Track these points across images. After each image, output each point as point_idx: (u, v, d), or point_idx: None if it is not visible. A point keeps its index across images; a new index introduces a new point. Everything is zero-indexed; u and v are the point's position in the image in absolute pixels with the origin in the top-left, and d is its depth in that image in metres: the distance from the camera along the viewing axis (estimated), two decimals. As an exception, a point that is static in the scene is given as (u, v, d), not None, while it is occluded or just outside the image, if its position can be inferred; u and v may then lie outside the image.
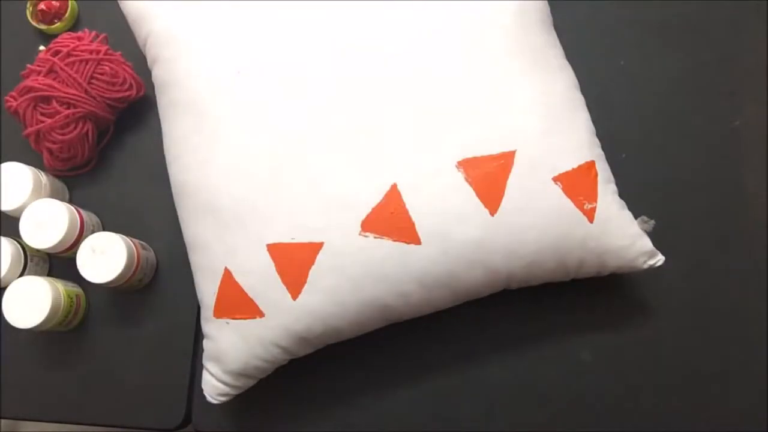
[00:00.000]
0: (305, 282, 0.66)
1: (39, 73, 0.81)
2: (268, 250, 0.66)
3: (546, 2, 0.75)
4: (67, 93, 0.80)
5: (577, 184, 0.67)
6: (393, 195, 0.65)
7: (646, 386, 0.73)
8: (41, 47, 0.88)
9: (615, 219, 0.68)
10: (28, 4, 0.91)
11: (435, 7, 0.70)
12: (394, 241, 0.65)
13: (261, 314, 0.67)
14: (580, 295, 0.74)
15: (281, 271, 0.66)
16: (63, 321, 0.78)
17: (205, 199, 0.69)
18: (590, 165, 0.68)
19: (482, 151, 0.66)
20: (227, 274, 0.68)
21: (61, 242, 0.77)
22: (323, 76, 0.69)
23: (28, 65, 0.82)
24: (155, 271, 0.83)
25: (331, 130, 0.68)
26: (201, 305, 0.71)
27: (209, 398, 0.71)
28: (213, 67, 0.71)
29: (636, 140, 0.80)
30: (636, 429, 0.73)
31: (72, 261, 0.77)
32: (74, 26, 0.92)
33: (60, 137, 0.80)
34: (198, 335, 0.80)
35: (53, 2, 0.90)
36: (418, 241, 0.65)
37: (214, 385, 0.70)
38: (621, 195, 0.71)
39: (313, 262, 0.66)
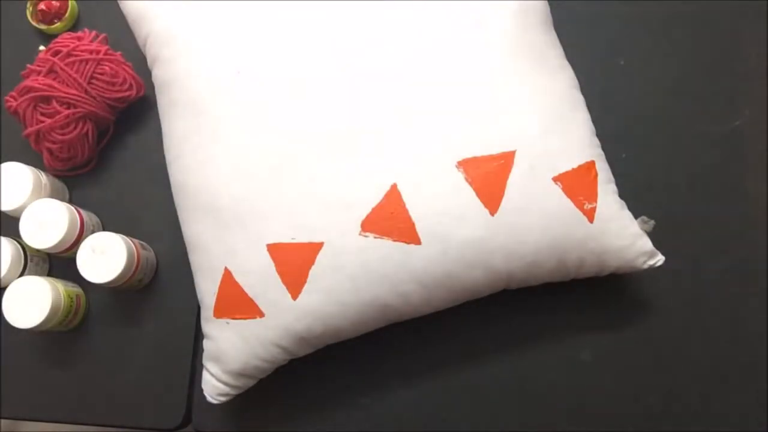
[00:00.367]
0: (305, 282, 0.66)
1: (39, 73, 0.81)
2: (268, 250, 0.66)
3: (546, 2, 0.75)
4: (67, 93, 0.80)
5: (577, 184, 0.67)
6: (393, 195, 0.65)
7: (646, 386, 0.73)
8: (41, 47, 0.88)
9: (615, 219, 0.68)
10: (28, 4, 0.91)
11: (435, 7, 0.70)
12: (394, 241, 0.65)
13: (261, 314, 0.67)
14: (580, 295, 0.74)
15: (281, 271, 0.66)
16: (63, 321, 0.78)
17: (205, 199, 0.69)
18: (590, 165, 0.68)
19: (482, 151, 0.66)
20: (227, 274, 0.68)
21: (61, 242, 0.77)
22: (323, 76, 0.69)
23: (28, 65, 0.82)
24: (155, 271, 0.83)
25: (330, 130, 0.68)
26: (201, 305, 0.71)
27: (209, 398, 0.71)
28: (213, 67, 0.71)
29: (636, 140, 0.80)
30: (636, 429, 0.73)
31: (72, 261, 0.77)
32: (74, 26, 0.92)
33: (60, 137, 0.80)
34: (198, 335, 0.80)
35: (53, 2, 0.90)
36: (418, 241, 0.65)
37: (214, 385, 0.70)
38: (621, 195, 0.71)
39: (313, 262, 0.66)
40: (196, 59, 0.72)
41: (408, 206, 0.65)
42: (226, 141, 0.69)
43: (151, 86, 0.79)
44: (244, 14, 0.72)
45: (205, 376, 0.71)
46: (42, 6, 0.90)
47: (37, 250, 0.81)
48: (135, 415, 0.79)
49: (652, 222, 0.70)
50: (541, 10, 0.74)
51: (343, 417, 0.76)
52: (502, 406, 0.74)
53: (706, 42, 0.83)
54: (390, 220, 0.65)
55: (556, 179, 0.67)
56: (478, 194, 0.65)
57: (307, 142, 0.68)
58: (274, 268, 0.66)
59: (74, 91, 0.80)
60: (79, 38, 0.83)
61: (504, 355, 0.75)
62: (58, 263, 0.84)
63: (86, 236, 0.77)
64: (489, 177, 0.66)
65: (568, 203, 0.66)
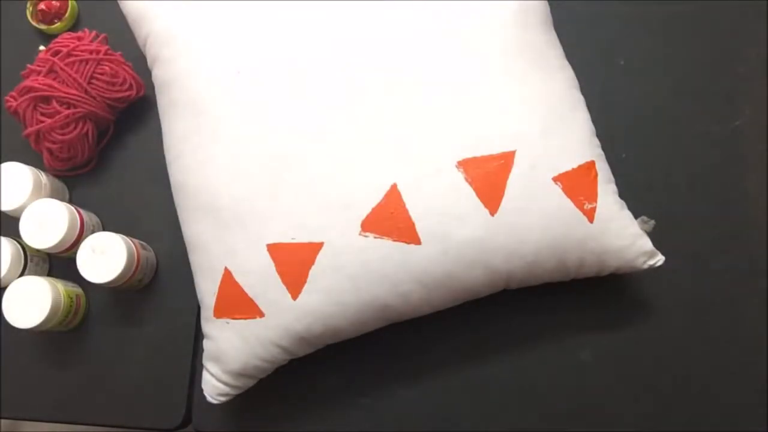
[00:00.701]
0: (305, 282, 0.66)
1: (39, 73, 0.81)
2: (268, 250, 0.66)
3: (546, 2, 0.75)
4: (67, 93, 0.80)
5: (577, 184, 0.67)
6: (393, 195, 0.65)
7: (646, 386, 0.73)
8: (41, 47, 0.88)
9: (615, 219, 0.68)
10: (28, 4, 0.91)
11: (435, 6, 0.70)
12: (394, 241, 0.65)
13: (261, 314, 0.67)
14: (580, 295, 0.74)
15: (281, 271, 0.66)
16: (63, 321, 0.78)
17: (205, 199, 0.69)
18: (590, 165, 0.68)
19: (482, 151, 0.66)
20: (227, 274, 0.68)
21: (61, 242, 0.77)
22: (323, 76, 0.69)
23: (28, 65, 0.82)
24: (155, 271, 0.83)
25: (331, 130, 0.67)
26: (201, 305, 0.71)
27: (209, 398, 0.71)
28: (213, 67, 0.71)
29: (636, 140, 0.80)
30: (636, 429, 0.73)
31: (72, 261, 0.77)
32: (74, 26, 0.92)
33: (60, 137, 0.80)
34: (198, 335, 0.80)
35: (53, 2, 0.90)
36: (418, 241, 0.65)
37: (214, 385, 0.70)
38: (621, 195, 0.71)
39: (313, 262, 0.66)
40: (196, 59, 0.72)
41: (408, 206, 0.65)
42: (226, 141, 0.69)
43: (151, 86, 0.79)
44: (244, 14, 0.72)
45: (205, 376, 0.71)
46: (42, 6, 0.90)
47: (37, 250, 0.81)
48: (135, 415, 0.79)
49: (652, 222, 0.70)
50: (541, 10, 0.74)
51: (343, 417, 0.76)
52: (502, 406, 0.74)
53: (706, 42, 0.83)
54: (390, 220, 0.65)
55: (556, 179, 0.67)
56: (478, 194, 0.65)
57: (307, 142, 0.68)
58: (274, 268, 0.66)
59: (74, 91, 0.80)
60: (79, 38, 0.83)
61: (504, 355, 0.75)
62: (58, 263, 0.84)
63: (86, 236, 0.77)
64: (489, 177, 0.66)
65: (568, 203, 0.66)
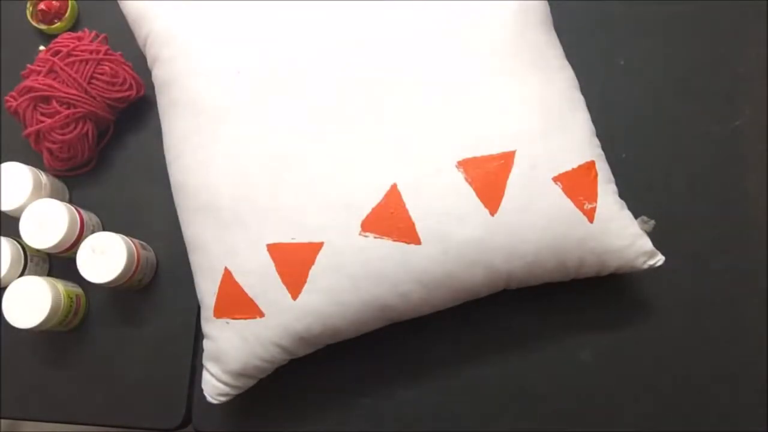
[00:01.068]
0: (305, 282, 0.66)
1: (39, 73, 0.81)
2: (268, 250, 0.66)
3: (546, 2, 0.75)
4: (67, 93, 0.80)
5: (577, 184, 0.67)
6: (393, 195, 0.65)
7: (646, 386, 0.73)
8: (41, 47, 0.88)
9: (615, 219, 0.68)
10: (28, 4, 0.91)
11: (435, 6, 0.70)
12: (394, 241, 0.65)
13: (261, 314, 0.67)
14: (580, 295, 0.74)
15: (281, 271, 0.66)
16: (63, 321, 0.78)
17: (205, 198, 0.69)
18: (590, 165, 0.68)
19: (482, 150, 0.66)
20: (227, 274, 0.68)
21: (61, 242, 0.77)
22: (323, 76, 0.69)
23: (28, 65, 0.82)
24: (155, 271, 0.83)
25: (331, 130, 0.68)
26: (201, 305, 0.71)
27: (209, 398, 0.71)
28: (213, 67, 0.71)
29: (636, 140, 0.80)
30: (636, 429, 0.73)
31: (72, 261, 0.77)
32: (74, 26, 0.92)
33: (60, 137, 0.80)
34: (198, 335, 0.80)
35: (53, 2, 0.90)
36: (418, 241, 0.65)
37: (214, 385, 0.70)
38: (621, 195, 0.71)
39: (313, 262, 0.66)
40: (196, 59, 0.72)
41: (408, 206, 0.65)
42: (226, 141, 0.69)
43: (151, 86, 0.79)
44: (245, 14, 0.72)
45: (205, 376, 0.71)
46: (42, 6, 0.90)
47: (37, 250, 0.81)
48: (135, 415, 0.79)
49: (652, 222, 0.70)
50: (541, 10, 0.74)
51: (343, 417, 0.76)
52: (502, 406, 0.74)
53: (706, 42, 0.83)
54: (390, 220, 0.65)
55: (556, 179, 0.67)
56: (478, 194, 0.65)
57: (307, 141, 0.68)
58: (274, 268, 0.66)
59: (74, 91, 0.80)
60: (79, 38, 0.83)
61: (504, 355, 0.75)
62: (58, 263, 0.84)
63: (86, 236, 0.77)
64: (489, 177, 0.66)
65: (568, 203, 0.66)
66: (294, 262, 0.66)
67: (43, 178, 0.82)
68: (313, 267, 0.66)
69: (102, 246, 0.76)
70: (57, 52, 0.81)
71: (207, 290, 0.70)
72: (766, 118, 0.79)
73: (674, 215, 0.76)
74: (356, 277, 0.65)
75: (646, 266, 0.69)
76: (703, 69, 0.82)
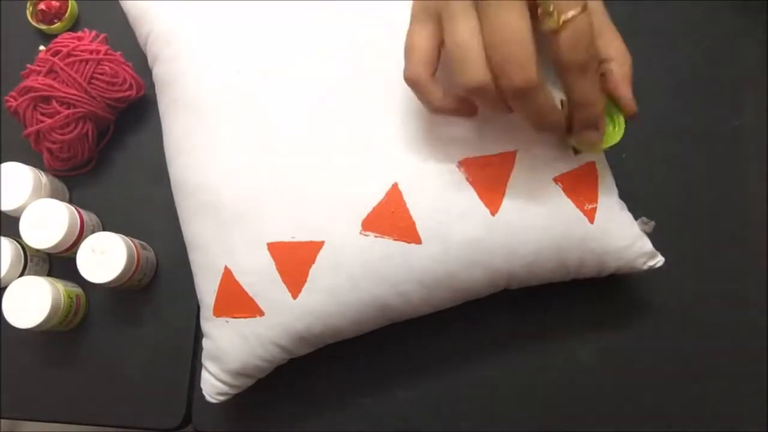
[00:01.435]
0: (305, 281, 0.66)
1: (39, 73, 0.81)
2: (269, 248, 0.66)
3: (546, 2, 0.75)
4: (67, 93, 0.80)
5: (577, 185, 0.67)
6: (394, 194, 0.65)
7: (646, 386, 0.73)
8: (41, 47, 0.88)
9: (615, 220, 0.68)
10: (28, 4, 0.91)
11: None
12: (395, 240, 0.65)
13: (261, 313, 0.67)
14: (580, 295, 0.74)
15: (281, 270, 0.66)
16: (63, 321, 0.78)
17: (204, 197, 0.69)
18: (591, 166, 0.68)
19: (483, 150, 0.66)
20: (227, 273, 0.68)
21: (61, 242, 0.77)
22: (324, 75, 0.69)
23: (28, 65, 0.82)
24: (155, 271, 0.83)
25: (332, 129, 0.68)
26: (200, 304, 0.71)
27: (208, 397, 0.71)
28: (214, 66, 0.71)
29: (636, 140, 0.80)
30: (636, 429, 0.73)
31: (72, 261, 0.77)
32: (74, 26, 0.92)
33: (60, 137, 0.80)
34: (198, 335, 0.80)
35: (53, 2, 0.90)
36: (418, 241, 0.65)
37: (212, 385, 0.70)
38: (621, 195, 0.71)
39: (313, 261, 0.66)
40: (197, 58, 0.72)
41: (409, 205, 0.65)
42: (226, 140, 0.69)
43: (151, 86, 0.79)
44: (246, 14, 0.72)
45: (204, 376, 0.71)
46: (42, 6, 0.90)
47: (37, 250, 0.81)
48: (135, 415, 0.79)
49: (652, 223, 0.70)
50: (542, 10, 0.74)
51: (343, 417, 0.76)
52: (501, 406, 0.74)
53: (706, 42, 0.83)
54: (390, 219, 0.65)
55: (556, 179, 0.67)
56: (479, 194, 0.65)
57: (307, 141, 0.68)
58: (274, 267, 0.66)
59: (74, 91, 0.80)
60: (79, 38, 0.83)
61: (504, 355, 0.75)
62: (58, 263, 0.84)
63: (86, 236, 0.77)
64: (490, 177, 0.66)
65: (568, 204, 0.66)
66: (294, 261, 0.66)
67: (43, 178, 0.82)
68: (313, 266, 0.66)
69: (102, 246, 0.76)
70: (57, 52, 0.81)
71: (206, 289, 0.70)
72: (766, 118, 0.80)
73: (674, 215, 0.76)
74: (356, 277, 0.65)
75: (646, 267, 0.70)
76: (703, 69, 0.82)
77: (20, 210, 0.78)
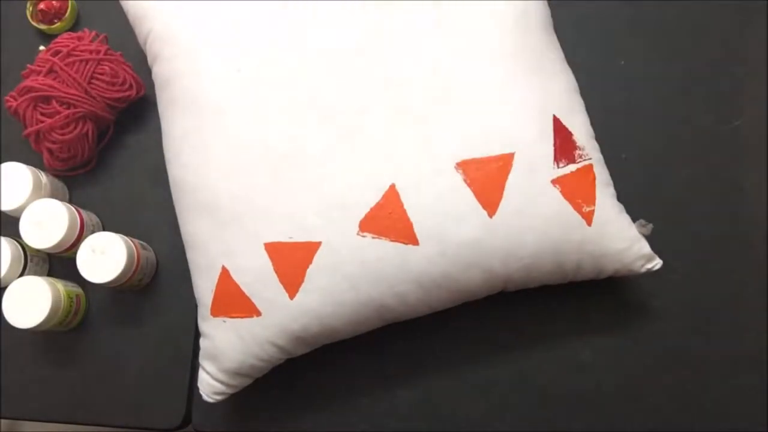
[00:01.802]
0: (302, 281, 0.66)
1: (39, 73, 0.81)
2: (266, 248, 0.66)
3: (546, 3, 0.75)
4: (67, 93, 0.80)
5: (575, 187, 0.67)
6: (391, 195, 0.65)
7: (647, 386, 0.73)
8: (41, 47, 0.88)
9: (613, 222, 0.68)
10: (28, 4, 0.91)
11: (436, 7, 0.70)
12: (392, 241, 0.65)
13: (258, 313, 0.67)
14: (580, 295, 0.74)
15: (279, 270, 0.66)
16: (63, 321, 0.78)
17: (203, 197, 0.69)
18: (588, 168, 0.68)
19: (481, 152, 0.66)
20: (224, 273, 0.68)
21: (61, 242, 0.77)
22: (323, 75, 0.69)
23: (28, 65, 0.82)
24: (155, 271, 0.83)
25: (330, 129, 0.68)
26: (198, 303, 0.71)
27: (205, 397, 0.71)
28: (213, 66, 0.71)
29: (636, 141, 0.80)
30: (636, 429, 0.73)
31: (72, 261, 0.77)
32: (74, 26, 0.92)
33: (60, 137, 0.80)
34: (198, 335, 0.80)
35: (53, 2, 0.90)
36: (416, 242, 0.65)
37: (210, 384, 0.70)
38: (620, 196, 0.71)
39: (310, 262, 0.66)
40: (197, 57, 0.72)
41: (406, 206, 0.65)
42: (226, 139, 0.69)
43: (151, 86, 0.79)
44: (246, 13, 0.72)
45: (201, 375, 0.71)
46: (42, 6, 0.90)
47: (37, 250, 0.81)
48: (135, 415, 0.79)
49: (650, 225, 0.70)
50: (541, 12, 0.74)
51: (343, 417, 0.76)
52: (502, 406, 0.74)
53: (706, 42, 0.83)
54: (388, 220, 0.65)
55: (554, 182, 0.66)
56: (477, 195, 0.65)
57: (306, 141, 0.68)
58: (271, 267, 0.66)
59: (74, 91, 0.80)
60: (79, 38, 0.83)
61: (504, 356, 0.75)
62: (58, 263, 0.84)
63: (86, 236, 0.77)
64: (488, 178, 0.66)
65: (566, 206, 0.66)
66: (291, 261, 0.66)
67: (43, 178, 0.82)
68: (310, 266, 0.66)
69: (102, 246, 0.76)
70: (57, 52, 0.81)
71: (204, 288, 0.70)
72: (766, 118, 0.79)
73: (674, 215, 0.76)
74: (353, 277, 0.65)
75: (644, 269, 0.69)
76: (703, 69, 0.82)
77: (20, 210, 0.78)
